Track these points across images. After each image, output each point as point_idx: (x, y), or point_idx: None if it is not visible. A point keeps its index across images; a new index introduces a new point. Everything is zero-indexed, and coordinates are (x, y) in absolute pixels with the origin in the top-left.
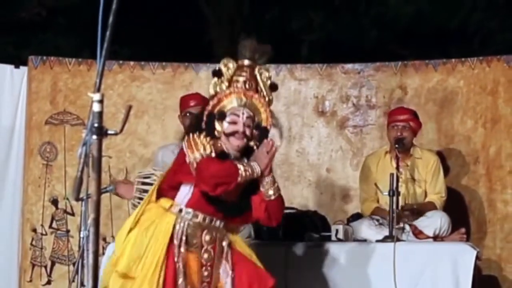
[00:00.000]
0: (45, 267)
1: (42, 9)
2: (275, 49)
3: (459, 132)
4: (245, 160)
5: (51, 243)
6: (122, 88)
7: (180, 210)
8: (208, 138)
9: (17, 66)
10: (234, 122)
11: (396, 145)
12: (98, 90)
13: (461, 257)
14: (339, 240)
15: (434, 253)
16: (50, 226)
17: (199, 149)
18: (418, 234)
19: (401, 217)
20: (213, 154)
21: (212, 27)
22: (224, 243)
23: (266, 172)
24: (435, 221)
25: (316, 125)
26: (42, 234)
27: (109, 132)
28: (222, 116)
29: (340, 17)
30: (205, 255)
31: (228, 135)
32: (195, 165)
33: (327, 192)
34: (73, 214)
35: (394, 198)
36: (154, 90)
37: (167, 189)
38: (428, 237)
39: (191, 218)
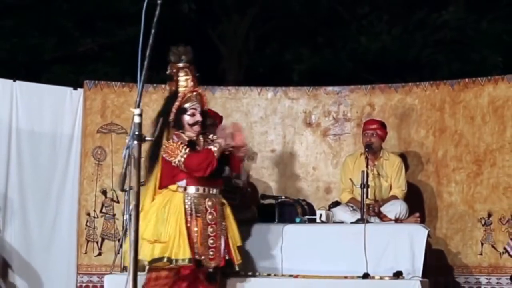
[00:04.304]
0: (97, 242)
1: (95, 45)
2: (272, 75)
3: (415, 139)
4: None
5: (101, 224)
6: (156, 105)
7: (185, 189)
8: (179, 143)
9: (75, 88)
10: (193, 115)
11: (366, 149)
12: (138, 106)
13: (416, 235)
14: (322, 222)
15: (395, 232)
16: (101, 211)
17: (178, 153)
18: (383, 217)
19: (369, 214)
20: (188, 150)
21: (224, 59)
22: (221, 207)
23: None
24: (396, 208)
25: (304, 133)
26: (94, 217)
27: (147, 138)
28: (184, 111)
29: (323, 51)
30: (209, 216)
31: (191, 125)
32: (182, 165)
33: (313, 185)
34: (118, 202)
35: (365, 190)
36: None
37: (167, 184)
38: (390, 220)
39: (194, 192)
